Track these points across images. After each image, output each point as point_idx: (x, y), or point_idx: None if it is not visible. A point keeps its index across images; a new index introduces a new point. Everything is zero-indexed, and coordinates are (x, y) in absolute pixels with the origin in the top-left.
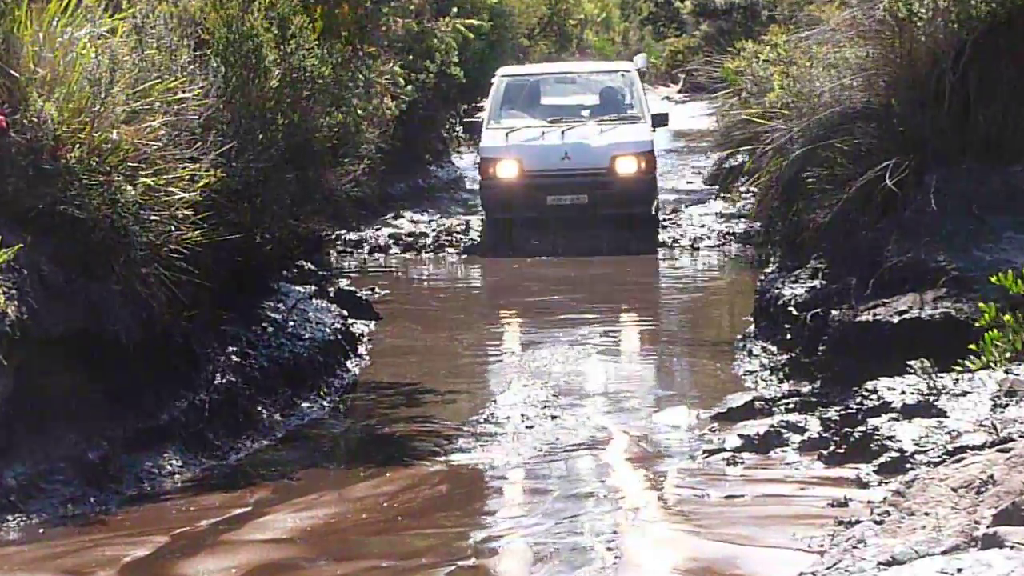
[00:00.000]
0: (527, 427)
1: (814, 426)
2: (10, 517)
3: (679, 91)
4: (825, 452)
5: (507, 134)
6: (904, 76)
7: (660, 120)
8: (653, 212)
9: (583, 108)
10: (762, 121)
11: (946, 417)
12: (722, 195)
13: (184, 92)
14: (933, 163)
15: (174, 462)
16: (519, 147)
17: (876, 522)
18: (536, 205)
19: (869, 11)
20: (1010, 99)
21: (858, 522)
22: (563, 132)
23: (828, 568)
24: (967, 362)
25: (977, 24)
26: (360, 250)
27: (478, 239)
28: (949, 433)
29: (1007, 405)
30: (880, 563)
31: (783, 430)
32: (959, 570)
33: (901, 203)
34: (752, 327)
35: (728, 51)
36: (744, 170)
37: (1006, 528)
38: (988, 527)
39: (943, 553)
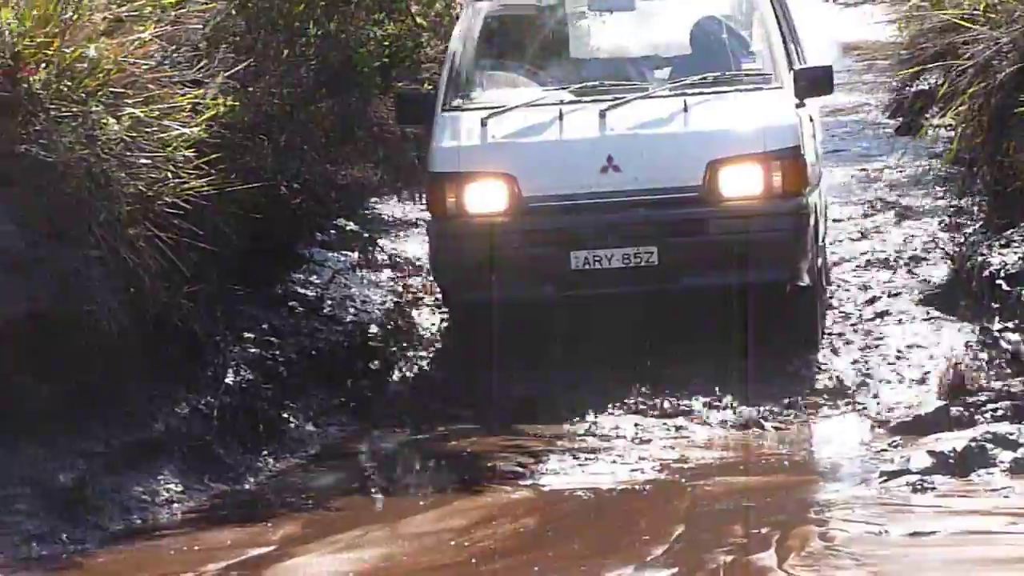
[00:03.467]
0: (642, 440)
1: None
2: None
3: None
4: None
5: (484, 121)
6: None
7: (816, 81)
8: (806, 279)
9: (648, 62)
10: (965, 26)
11: None
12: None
13: None
14: None
15: (172, 487)
16: (510, 148)
17: None
18: (546, 273)
19: None
20: None
21: None
22: (603, 113)
23: None
24: None
25: None
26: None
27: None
28: None
29: None
30: None
31: (988, 445)
32: None
33: None
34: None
35: None
36: (938, 96)
37: None
38: None
39: None
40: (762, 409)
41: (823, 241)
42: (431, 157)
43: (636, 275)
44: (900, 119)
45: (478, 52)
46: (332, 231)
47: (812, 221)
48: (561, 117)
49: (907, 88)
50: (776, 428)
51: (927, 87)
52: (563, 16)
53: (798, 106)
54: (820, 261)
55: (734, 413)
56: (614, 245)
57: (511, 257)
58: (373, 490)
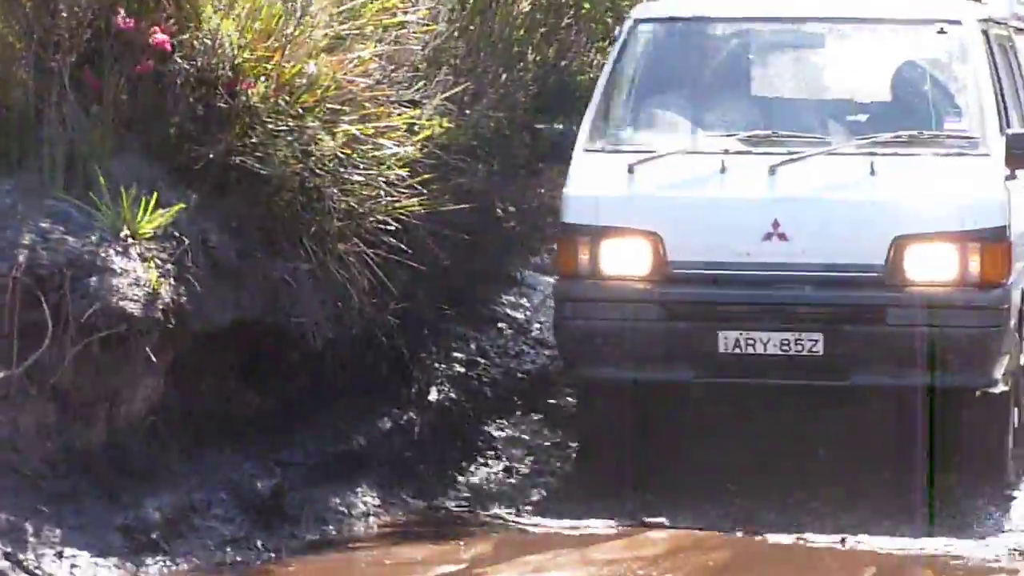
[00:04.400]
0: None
1: None
2: (150, 560)
3: None
4: None
5: (632, 167)
6: None
7: None
8: (1001, 385)
9: (839, 108)
10: None
11: None
12: None
13: (406, 14)
14: None
15: (369, 500)
16: (658, 201)
17: None
18: (687, 353)
19: None
20: None
21: None
22: (773, 169)
23: None
24: None
25: None
26: None
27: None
28: None
29: None
30: None
31: None
32: None
33: None
34: None
35: None
36: None
37: None
38: None
39: None
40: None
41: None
42: (564, 205)
43: (796, 365)
44: None
45: (634, 83)
46: (546, 255)
47: (1016, 316)
48: (723, 170)
49: None
50: None
51: None
52: (745, 45)
53: (1008, 178)
54: (1010, 365)
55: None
56: (772, 328)
57: (647, 331)
58: (566, 514)
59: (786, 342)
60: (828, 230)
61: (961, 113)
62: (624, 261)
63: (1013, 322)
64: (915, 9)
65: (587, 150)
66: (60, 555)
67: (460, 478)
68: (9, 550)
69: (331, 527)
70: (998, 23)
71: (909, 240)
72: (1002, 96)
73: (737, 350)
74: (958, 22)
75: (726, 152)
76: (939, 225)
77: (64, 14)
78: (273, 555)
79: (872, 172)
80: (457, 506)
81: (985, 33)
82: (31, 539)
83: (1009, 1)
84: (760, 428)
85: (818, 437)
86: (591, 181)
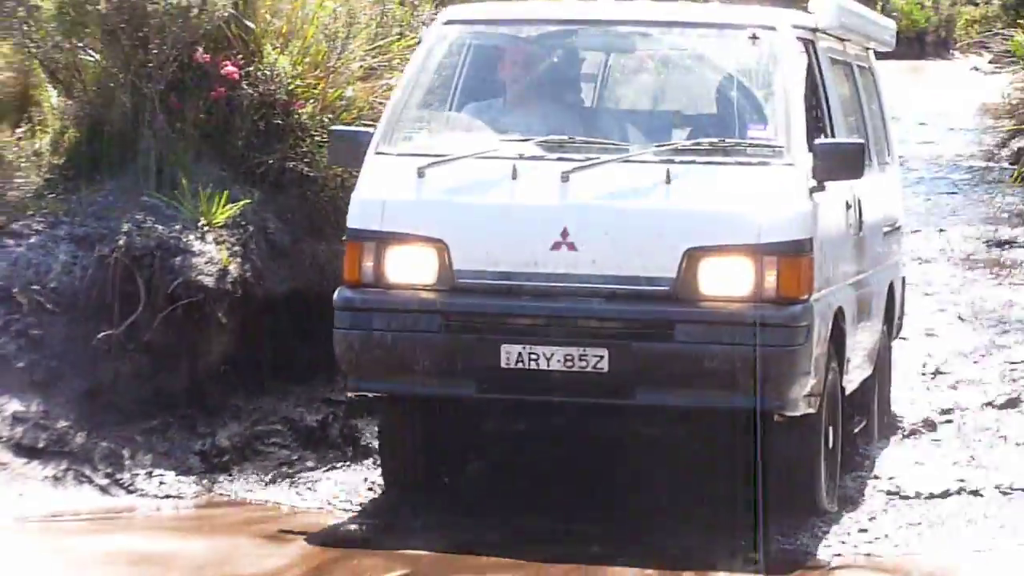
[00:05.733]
0: None
1: None
2: (222, 478)
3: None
4: None
5: (421, 171)
6: None
7: (840, 160)
8: (802, 408)
9: (642, 121)
10: None
11: None
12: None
13: None
14: None
15: None
16: (444, 207)
17: None
18: (469, 367)
19: None
20: None
21: None
22: (566, 176)
23: None
24: None
25: None
26: None
27: None
28: None
29: None
30: None
31: None
32: None
33: None
34: None
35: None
36: None
37: None
38: None
39: None
40: None
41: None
42: (350, 209)
43: (580, 382)
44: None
45: (434, 86)
46: None
47: (819, 335)
48: (515, 175)
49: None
50: None
51: None
52: (552, 50)
53: (816, 190)
54: (824, 387)
55: None
56: (556, 343)
57: (429, 343)
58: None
59: (570, 357)
60: (618, 240)
61: (767, 121)
62: (409, 269)
63: (821, 340)
64: (730, 15)
65: (379, 153)
66: (150, 474)
67: None
68: (110, 471)
69: (368, 447)
70: (833, 36)
71: (702, 253)
72: (827, 109)
73: (520, 365)
74: (772, 28)
75: (520, 157)
76: (734, 237)
77: (155, 51)
78: (319, 473)
79: (668, 180)
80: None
81: (808, 43)
82: (127, 462)
83: (837, 10)
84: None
85: (621, 457)
86: (379, 185)
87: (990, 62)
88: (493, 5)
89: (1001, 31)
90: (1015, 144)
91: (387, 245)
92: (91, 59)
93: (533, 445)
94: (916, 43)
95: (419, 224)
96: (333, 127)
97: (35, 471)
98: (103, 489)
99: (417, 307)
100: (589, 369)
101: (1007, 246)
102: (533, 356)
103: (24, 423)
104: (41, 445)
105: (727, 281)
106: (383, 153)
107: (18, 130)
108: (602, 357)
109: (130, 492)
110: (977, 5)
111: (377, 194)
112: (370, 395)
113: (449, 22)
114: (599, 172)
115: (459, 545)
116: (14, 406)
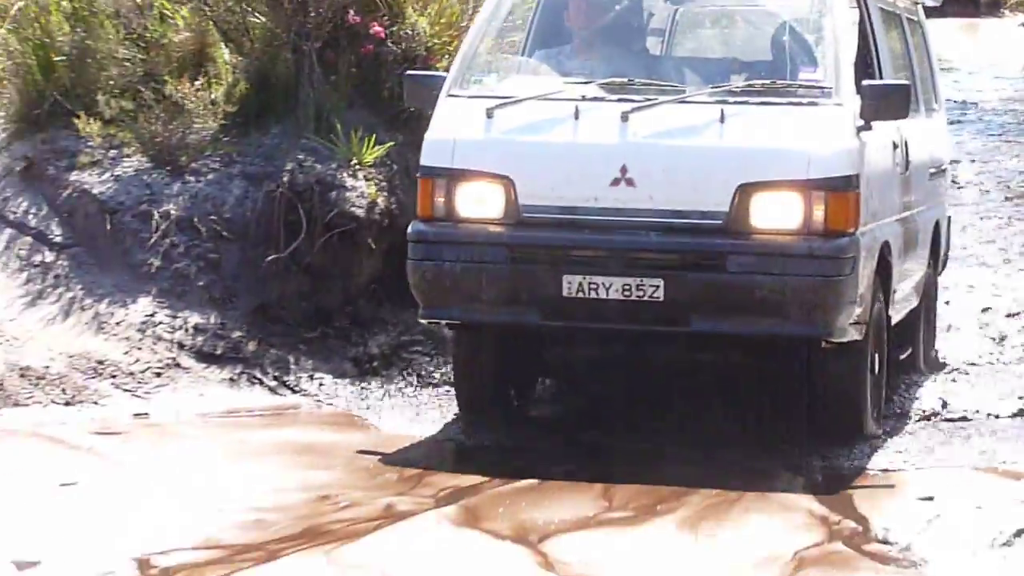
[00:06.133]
0: None
1: None
2: (373, 383)
3: None
4: None
5: (490, 112)
6: None
7: (886, 101)
8: (849, 334)
9: (700, 65)
10: None
11: None
12: None
13: None
14: None
15: None
16: (511, 146)
17: None
18: (532, 297)
19: None
20: None
21: None
22: (625, 116)
23: None
24: None
25: None
26: None
27: None
28: None
29: None
30: None
31: None
32: None
33: None
34: None
35: None
36: None
37: None
38: None
39: None
40: None
41: (882, 299)
42: (423, 148)
43: (637, 311)
44: None
45: (504, 31)
46: None
47: (865, 266)
48: (577, 115)
49: None
50: None
51: None
52: (629, 3)
53: (863, 129)
54: (869, 315)
55: None
56: (615, 273)
57: (495, 273)
58: None
59: (627, 287)
60: (674, 176)
61: (817, 64)
62: (477, 204)
63: (867, 272)
64: None
65: (450, 95)
66: (311, 377)
67: None
68: (278, 374)
69: None
70: None
71: (754, 188)
72: (876, 56)
73: (580, 294)
74: None
75: (583, 98)
76: (784, 173)
77: (313, 13)
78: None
79: (721, 119)
80: None
81: None
82: (292, 367)
83: None
84: (621, 376)
85: (678, 385)
86: (450, 125)
87: None
88: None
89: None
90: None
91: (457, 181)
92: (258, 21)
93: (596, 371)
94: (971, 2)
95: (487, 161)
96: (408, 71)
97: (214, 374)
98: (272, 390)
99: (484, 240)
100: (646, 298)
101: None
102: (593, 286)
103: (204, 333)
104: (219, 352)
105: (777, 215)
106: (454, 95)
107: (196, 83)
108: (658, 287)
109: (295, 392)
110: None
111: (448, 134)
112: (441, 322)
113: None
114: (657, 112)
115: (526, 466)
116: (195, 319)
